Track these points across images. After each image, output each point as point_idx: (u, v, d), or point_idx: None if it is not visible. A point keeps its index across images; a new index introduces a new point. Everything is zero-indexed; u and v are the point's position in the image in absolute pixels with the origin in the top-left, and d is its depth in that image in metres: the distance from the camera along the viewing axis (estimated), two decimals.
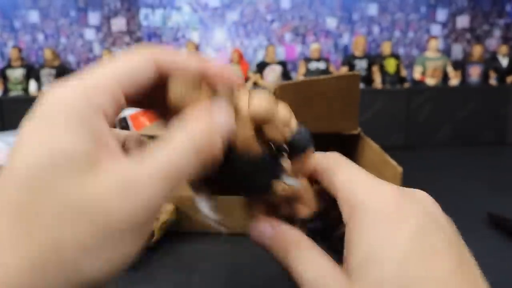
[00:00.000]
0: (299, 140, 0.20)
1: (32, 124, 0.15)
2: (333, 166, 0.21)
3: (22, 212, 0.15)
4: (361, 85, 2.61)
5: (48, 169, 0.15)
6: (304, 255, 0.19)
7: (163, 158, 0.16)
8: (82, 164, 0.15)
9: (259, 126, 0.19)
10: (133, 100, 0.19)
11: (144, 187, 0.16)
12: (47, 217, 0.15)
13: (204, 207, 0.20)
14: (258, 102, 0.19)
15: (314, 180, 0.22)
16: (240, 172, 0.20)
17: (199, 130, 0.17)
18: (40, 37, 3.47)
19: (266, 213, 0.21)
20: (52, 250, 0.15)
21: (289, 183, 0.20)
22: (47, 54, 2.97)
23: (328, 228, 0.21)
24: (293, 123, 0.20)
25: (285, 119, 0.20)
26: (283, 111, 0.20)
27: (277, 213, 0.22)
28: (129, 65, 0.18)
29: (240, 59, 3.06)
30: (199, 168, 0.17)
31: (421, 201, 0.19)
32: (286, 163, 0.21)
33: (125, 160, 0.16)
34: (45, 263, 0.15)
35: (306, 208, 0.21)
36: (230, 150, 0.19)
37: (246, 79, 3.09)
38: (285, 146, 0.20)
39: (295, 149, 0.20)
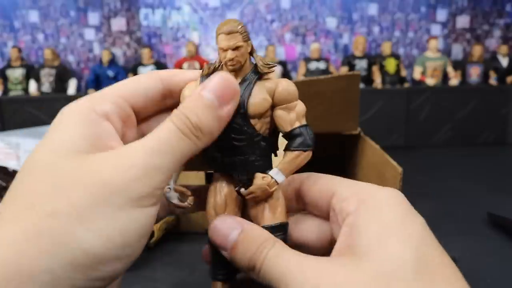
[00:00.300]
0: (299, 134, 0.20)
1: (49, 129, 0.18)
2: (317, 175, 0.21)
3: (22, 192, 0.16)
4: (361, 85, 2.61)
5: (50, 153, 0.17)
6: (277, 250, 0.18)
7: (153, 134, 0.17)
8: (82, 147, 0.17)
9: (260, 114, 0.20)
10: (146, 110, 0.21)
11: (135, 158, 0.16)
12: (44, 191, 0.16)
13: (173, 198, 0.21)
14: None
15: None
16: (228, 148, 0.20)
17: (187, 108, 0.18)
18: (40, 37, 3.47)
19: (231, 209, 0.21)
20: (46, 220, 0.15)
21: (275, 176, 0.20)
22: (47, 54, 2.97)
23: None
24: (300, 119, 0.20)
25: (300, 110, 0.20)
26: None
27: (242, 212, 0.21)
28: (136, 81, 0.20)
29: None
30: (189, 144, 0.18)
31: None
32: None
33: (120, 148, 0.17)
34: (39, 232, 0.15)
35: (273, 217, 0.20)
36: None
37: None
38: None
39: (293, 141, 0.20)
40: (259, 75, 0.20)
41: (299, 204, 0.22)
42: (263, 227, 0.20)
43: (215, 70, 0.20)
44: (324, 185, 0.21)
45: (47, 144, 0.17)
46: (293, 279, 0.17)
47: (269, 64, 0.20)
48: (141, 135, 0.21)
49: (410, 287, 0.15)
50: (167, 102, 0.22)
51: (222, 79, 0.18)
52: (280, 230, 0.20)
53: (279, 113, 0.20)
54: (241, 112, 0.19)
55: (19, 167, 1.02)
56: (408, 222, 0.17)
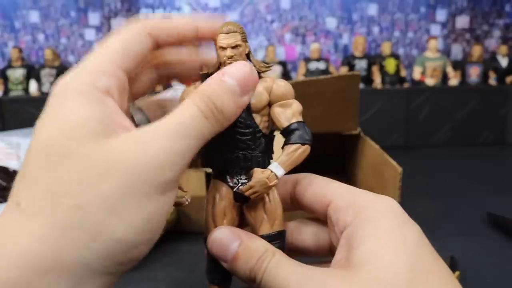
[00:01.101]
0: (297, 130, 0.20)
1: (46, 106, 0.17)
2: (313, 178, 0.21)
3: (43, 182, 0.15)
4: (361, 85, 2.61)
5: (65, 138, 0.16)
6: (278, 261, 0.18)
7: (175, 117, 0.17)
8: (98, 130, 0.16)
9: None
10: (136, 71, 0.20)
11: (160, 143, 0.16)
12: (69, 182, 0.15)
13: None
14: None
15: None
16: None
17: (211, 92, 0.18)
18: (41, 37, 3.47)
19: (229, 219, 0.21)
20: (75, 213, 0.15)
21: (275, 170, 0.20)
22: (48, 54, 2.97)
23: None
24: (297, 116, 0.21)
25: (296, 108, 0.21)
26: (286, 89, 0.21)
27: (240, 221, 0.21)
28: (125, 43, 0.19)
29: None
30: (210, 128, 0.18)
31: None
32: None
33: (138, 132, 0.17)
34: (68, 226, 0.15)
35: (271, 225, 0.21)
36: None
37: None
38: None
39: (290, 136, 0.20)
40: (258, 75, 0.21)
41: (293, 204, 0.22)
42: (262, 236, 0.20)
43: (214, 70, 0.21)
44: (320, 190, 0.21)
45: (58, 127, 0.16)
46: None
47: (266, 64, 0.21)
48: (130, 94, 0.20)
49: None
50: (155, 53, 0.21)
51: (245, 67, 0.19)
52: (278, 238, 0.21)
53: (276, 109, 0.21)
54: (245, 108, 0.20)
55: (20, 167, 1.01)
56: (404, 230, 0.18)
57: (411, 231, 0.18)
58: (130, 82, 0.20)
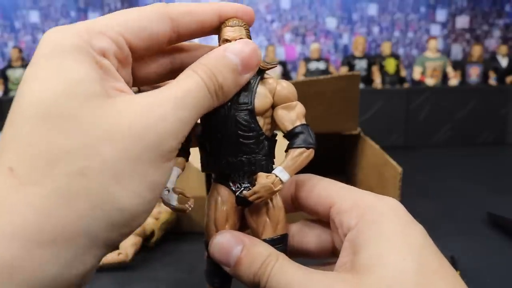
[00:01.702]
0: (301, 133, 0.20)
1: (36, 64, 0.15)
2: (315, 179, 0.21)
3: (39, 145, 0.14)
4: (361, 85, 2.61)
5: (64, 98, 0.14)
6: (282, 266, 0.18)
7: (180, 85, 0.16)
8: (98, 91, 0.15)
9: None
10: (145, 51, 0.18)
11: (166, 109, 0.15)
12: (68, 146, 0.14)
13: (172, 200, 0.20)
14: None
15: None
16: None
17: (213, 66, 0.17)
18: (40, 37, 3.48)
19: (230, 223, 0.21)
20: (76, 181, 0.14)
21: (280, 174, 0.19)
22: None
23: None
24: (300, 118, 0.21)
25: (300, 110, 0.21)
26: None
27: (240, 225, 0.21)
28: (141, 19, 0.18)
29: None
30: (210, 102, 0.17)
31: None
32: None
33: (139, 95, 0.16)
34: (72, 192, 0.14)
35: (274, 229, 0.20)
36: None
37: None
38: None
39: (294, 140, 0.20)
40: (261, 75, 0.20)
41: (294, 206, 0.22)
42: (265, 240, 0.20)
43: None
44: (323, 192, 0.21)
45: (54, 86, 0.14)
46: None
47: (270, 63, 0.21)
48: (134, 74, 0.19)
49: None
50: (172, 43, 0.20)
51: (248, 45, 0.18)
52: (281, 242, 0.20)
53: (280, 112, 0.20)
54: (249, 108, 0.19)
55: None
56: (408, 232, 0.17)
57: (416, 232, 0.18)
58: (139, 62, 0.19)
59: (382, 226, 0.18)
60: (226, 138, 0.19)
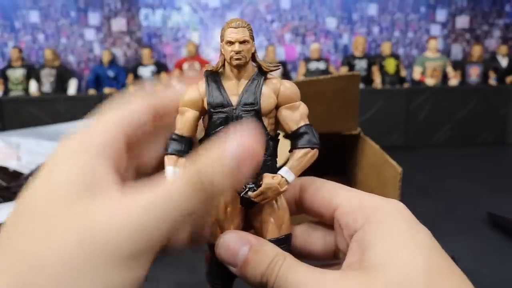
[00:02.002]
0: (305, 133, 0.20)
1: (42, 168, 0.17)
2: (319, 182, 0.21)
3: (11, 235, 0.16)
4: (361, 85, 2.61)
5: (43, 197, 0.16)
6: (290, 265, 0.18)
7: (158, 188, 0.16)
8: (79, 192, 0.16)
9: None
10: (136, 139, 0.20)
11: (133, 213, 0.15)
12: (35, 239, 0.15)
13: None
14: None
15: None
16: None
17: (205, 169, 0.17)
18: (41, 37, 3.47)
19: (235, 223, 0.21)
20: (34, 272, 0.15)
21: (286, 175, 0.19)
22: (48, 54, 2.97)
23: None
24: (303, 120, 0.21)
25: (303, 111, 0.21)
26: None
27: (244, 226, 0.21)
28: (127, 113, 0.20)
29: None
30: (197, 203, 0.16)
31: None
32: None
33: (121, 194, 0.17)
34: (28, 281, 0.15)
35: (279, 229, 0.20)
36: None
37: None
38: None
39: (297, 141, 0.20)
40: (265, 76, 0.20)
41: (298, 209, 0.22)
42: (270, 240, 0.20)
43: (218, 68, 0.20)
44: (327, 195, 0.21)
45: (43, 183, 0.17)
46: None
47: (273, 64, 0.21)
48: (130, 162, 0.21)
49: None
50: (157, 125, 0.21)
51: (248, 143, 0.17)
52: (285, 242, 0.20)
53: (284, 112, 0.20)
54: (255, 109, 0.19)
55: (20, 167, 0.99)
56: (415, 233, 0.18)
57: (422, 234, 0.18)
58: (134, 151, 0.21)
59: (389, 226, 0.18)
60: None
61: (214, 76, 0.20)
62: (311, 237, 0.22)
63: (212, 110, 0.20)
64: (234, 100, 0.20)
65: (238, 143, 0.17)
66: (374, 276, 0.16)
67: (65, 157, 0.17)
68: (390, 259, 0.17)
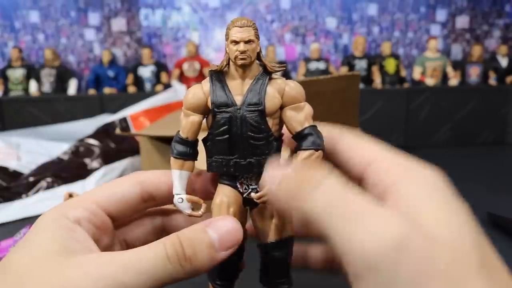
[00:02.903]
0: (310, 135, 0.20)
1: (27, 234, 0.19)
2: (354, 135, 0.20)
3: None
4: (361, 85, 2.61)
5: (24, 257, 0.17)
6: (340, 185, 0.17)
7: (136, 251, 0.17)
8: (56, 250, 0.17)
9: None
10: (125, 215, 0.21)
11: (106, 271, 0.16)
12: None
13: (186, 208, 0.20)
14: None
15: None
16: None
17: (186, 238, 0.18)
18: (41, 37, 3.47)
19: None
20: None
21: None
22: (48, 54, 2.97)
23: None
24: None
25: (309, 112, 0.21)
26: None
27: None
28: (113, 187, 0.21)
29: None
30: (171, 273, 0.17)
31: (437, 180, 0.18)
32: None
33: (96, 255, 0.17)
34: None
35: (281, 231, 0.20)
36: None
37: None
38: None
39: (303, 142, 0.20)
40: (270, 76, 0.20)
41: (329, 159, 0.21)
42: (271, 242, 0.20)
43: (223, 67, 0.20)
44: (362, 150, 0.19)
45: (22, 247, 0.18)
46: (342, 230, 0.15)
47: (278, 64, 0.21)
48: (122, 239, 0.22)
49: (476, 279, 0.14)
50: (148, 205, 0.22)
51: (232, 224, 0.19)
52: (286, 245, 0.21)
53: (289, 113, 0.20)
54: (260, 109, 0.19)
55: (20, 167, 0.99)
56: (457, 207, 0.16)
57: (463, 208, 0.16)
58: (124, 228, 0.22)
59: (425, 187, 0.16)
60: (235, 139, 0.19)
61: (218, 76, 0.20)
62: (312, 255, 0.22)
63: (216, 109, 0.20)
64: (238, 99, 0.20)
65: (224, 223, 0.18)
66: (418, 223, 0.14)
67: (46, 224, 0.19)
68: (432, 214, 0.15)
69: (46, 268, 0.16)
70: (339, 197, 0.16)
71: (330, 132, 0.21)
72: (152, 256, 0.17)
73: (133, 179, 0.21)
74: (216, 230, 0.18)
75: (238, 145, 0.19)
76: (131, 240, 0.22)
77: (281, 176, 0.18)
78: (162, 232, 0.23)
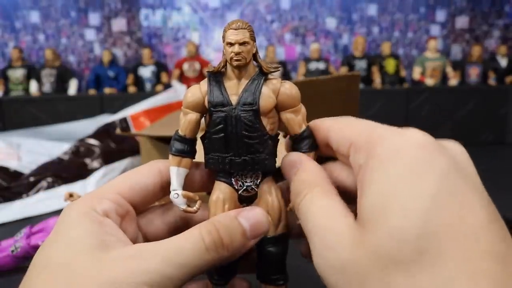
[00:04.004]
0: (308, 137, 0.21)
1: (52, 231, 0.19)
2: (341, 119, 0.20)
3: None
4: (361, 85, 2.61)
5: (62, 250, 0.17)
6: (311, 199, 0.18)
7: (175, 242, 0.17)
8: (94, 244, 0.17)
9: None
10: (146, 203, 0.22)
11: (151, 264, 0.16)
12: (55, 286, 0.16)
13: (181, 204, 0.21)
14: None
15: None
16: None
17: (221, 226, 0.18)
18: (41, 37, 3.47)
19: None
20: None
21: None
22: (48, 54, 2.98)
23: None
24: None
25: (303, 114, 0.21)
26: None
27: None
28: (134, 176, 0.21)
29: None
30: (209, 260, 0.17)
31: (450, 149, 0.16)
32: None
33: (134, 250, 0.17)
34: None
35: (275, 229, 0.21)
36: None
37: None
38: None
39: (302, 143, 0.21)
40: (265, 76, 0.21)
41: (327, 150, 0.22)
42: (266, 238, 0.20)
43: (220, 68, 0.21)
44: (343, 131, 0.19)
45: (58, 241, 0.18)
46: (315, 231, 0.17)
47: (274, 65, 0.21)
48: (142, 228, 0.22)
49: (408, 271, 0.13)
50: (166, 193, 0.22)
51: (261, 215, 0.19)
52: (281, 241, 0.21)
53: (288, 116, 0.21)
54: (254, 109, 0.20)
55: (20, 167, 0.99)
56: (419, 177, 0.14)
57: (430, 174, 0.14)
58: (144, 219, 0.22)
59: (390, 166, 0.15)
60: (230, 137, 0.20)
61: (216, 76, 0.21)
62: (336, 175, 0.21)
63: (212, 109, 0.20)
64: (233, 99, 0.20)
65: (254, 212, 0.19)
66: (364, 236, 0.14)
67: (76, 218, 0.18)
68: (381, 218, 0.14)
69: (90, 264, 0.16)
70: (313, 209, 0.17)
71: (321, 123, 0.22)
72: (191, 247, 0.17)
73: (154, 168, 0.21)
74: (247, 219, 0.19)
75: (233, 143, 0.20)
76: (153, 231, 0.23)
77: (293, 176, 0.19)
78: (183, 225, 0.23)
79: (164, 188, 0.21)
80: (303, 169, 0.19)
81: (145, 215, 0.22)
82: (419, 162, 0.14)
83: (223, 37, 0.20)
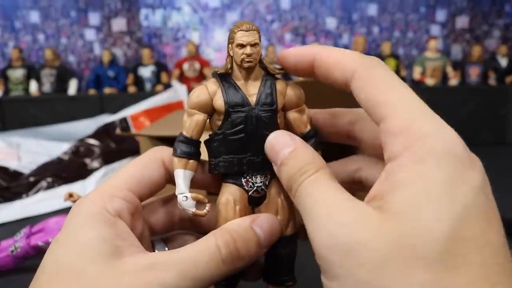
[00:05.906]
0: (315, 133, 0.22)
1: (61, 232, 0.18)
2: (376, 76, 0.18)
3: None
4: None
5: (76, 257, 0.17)
6: (316, 179, 0.17)
7: (190, 254, 0.17)
8: (108, 251, 0.17)
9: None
10: (150, 196, 0.21)
11: (166, 277, 0.16)
12: None
13: (191, 207, 0.20)
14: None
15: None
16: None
17: (238, 238, 0.18)
18: (41, 37, 3.47)
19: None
20: None
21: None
22: (48, 54, 2.97)
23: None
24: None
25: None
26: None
27: None
28: (140, 170, 0.21)
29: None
30: (224, 271, 0.17)
31: (480, 166, 0.16)
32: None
33: (147, 259, 0.17)
34: None
35: (285, 229, 0.21)
36: None
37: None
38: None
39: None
40: (275, 77, 0.21)
41: (350, 140, 0.22)
42: (278, 240, 0.20)
43: (228, 69, 0.21)
44: (378, 96, 0.17)
45: (69, 245, 0.17)
46: (315, 216, 0.16)
47: (279, 67, 0.21)
48: (145, 218, 0.21)
49: (430, 268, 0.13)
50: (170, 183, 0.22)
51: (274, 221, 0.20)
52: (290, 241, 0.21)
53: (294, 115, 0.21)
54: (273, 109, 0.20)
55: (20, 167, 0.99)
56: (456, 186, 0.14)
57: (465, 186, 0.14)
58: (147, 210, 0.22)
59: (428, 167, 0.15)
60: (250, 138, 0.20)
61: (226, 77, 0.21)
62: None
63: (230, 109, 0.20)
64: (251, 100, 0.20)
65: (266, 220, 0.19)
66: (389, 224, 0.14)
67: (88, 219, 0.18)
68: (412, 213, 0.14)
69: (105, 274, 0.16)
70: (321, 189, 0.17)
71: (345, 113, 0.22)
72: (207, 260, 0.17)
73: (158, 160, 0.21)
74: (261, 227, 0.19)
75: (252, 143, 0.20)
76: (155, 222, 0.22)
77: (288, 155, 0.18)
78: (186, 219, 0.23)
79: (168, 179, 0.21)
80: (302, 149, 0.18)
81: (147, 205, 0.22)
82: (456, 173, 0.15)
83: (231, 38, 0.20)
